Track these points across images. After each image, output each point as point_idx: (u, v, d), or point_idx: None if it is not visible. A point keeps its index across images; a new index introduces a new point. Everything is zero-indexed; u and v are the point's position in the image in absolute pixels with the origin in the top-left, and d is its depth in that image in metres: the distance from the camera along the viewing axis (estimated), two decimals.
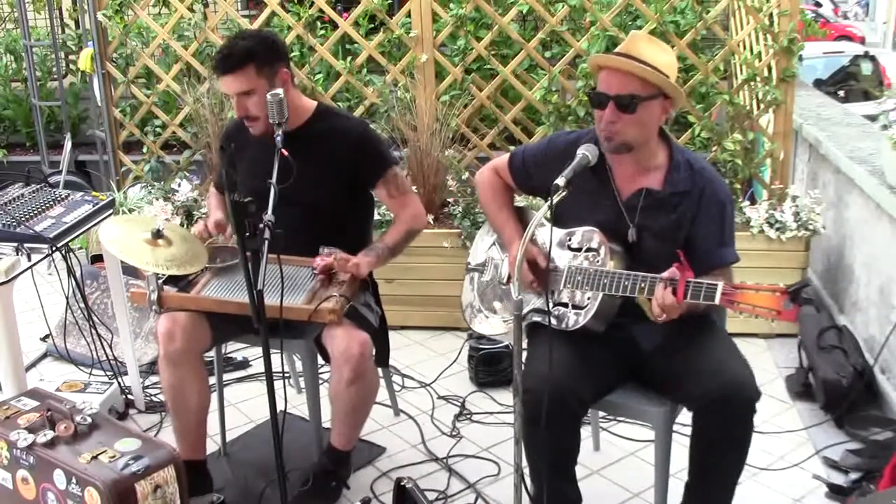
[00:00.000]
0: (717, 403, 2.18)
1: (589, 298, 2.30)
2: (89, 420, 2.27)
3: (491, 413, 3.35)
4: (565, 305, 2.34)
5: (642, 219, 2.33)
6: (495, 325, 2.57)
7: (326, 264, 2.62)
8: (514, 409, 2.17)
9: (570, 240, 2.39)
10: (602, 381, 2.37)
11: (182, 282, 2.63)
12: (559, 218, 2.38)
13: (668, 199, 2.33)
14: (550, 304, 2.34)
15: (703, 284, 2.09)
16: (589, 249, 2.34)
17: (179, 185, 4.48)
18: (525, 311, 2.41)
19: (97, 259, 4.39)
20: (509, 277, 2.54)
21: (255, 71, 2.59)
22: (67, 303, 3.49)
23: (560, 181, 2.14)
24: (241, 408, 3.43)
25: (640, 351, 2.40)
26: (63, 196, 3.02)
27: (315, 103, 2.81)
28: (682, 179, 2.33)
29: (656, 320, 2.16)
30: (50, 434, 2.21)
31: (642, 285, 2.18)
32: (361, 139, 2.77)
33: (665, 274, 2.13)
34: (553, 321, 2.34)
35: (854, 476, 2.85)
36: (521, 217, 2.60)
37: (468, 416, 3.34)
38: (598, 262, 2.31)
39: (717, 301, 2.07)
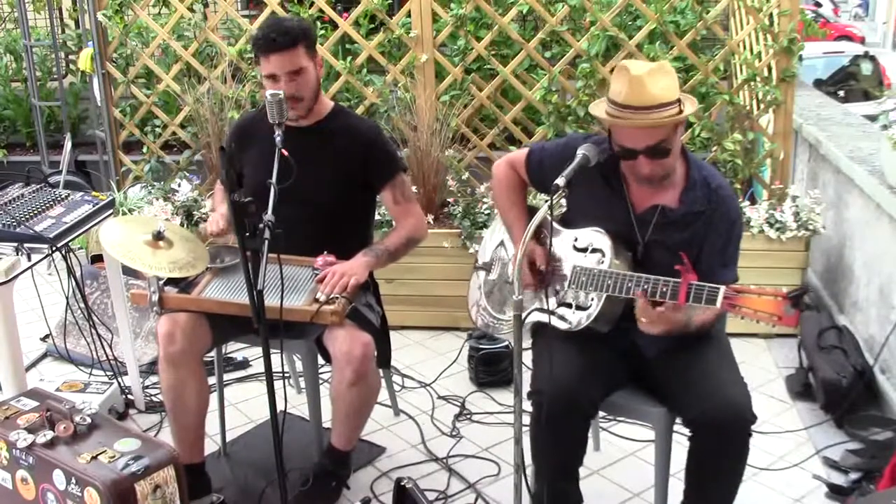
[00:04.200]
0: (711, 427, 2.17)
1: (592, 299, 2.30)
2: (89, 420, 2.27)
3: (491, 413, 3.35)
4: (569, 306, 2.34)
5: (654, 235, 2.32)
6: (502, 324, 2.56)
7: (329, 279, 2.59)
8: (514, 409, 2.17)
9: (576, 240, 2.38)
10: (610, 381, 2.37)
11: (183, 282, 2.63)
12: (569, 219, 2.37)
13: (682, 219, 2.31)
14: (553, 305, 2.34)
15: (705, 287, 2.09)
16: (594, 250, 2.33)
17: (179, 185, 4.47)
18: (528, 310, 2.42)
19: (97, 259, 4.38)
20: None
21: (305, 50, 2.66)
22: (67, 303, 3.49)
23: (560, 181, 2.14)
24: (241, 408, 3.43)
25: (641, 357, 2.40)
26: (63, 196, 3.02)
27: (333, 103, 2.86)
28: (699, 199, 2.31)
29: (639, 322, 2.16)
30: (49, 434, 2.21)
31: (645, 287, 2.18)
32: (374, 141, 2.80)
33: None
34: (556, 321, 2.34)
35: (854, 476, 2.85)
36: (534, 215, 2.58)
37: (468, 416, 3.34)
38: (603, 263, 2.30)
39: (718, 305, 2.07)
